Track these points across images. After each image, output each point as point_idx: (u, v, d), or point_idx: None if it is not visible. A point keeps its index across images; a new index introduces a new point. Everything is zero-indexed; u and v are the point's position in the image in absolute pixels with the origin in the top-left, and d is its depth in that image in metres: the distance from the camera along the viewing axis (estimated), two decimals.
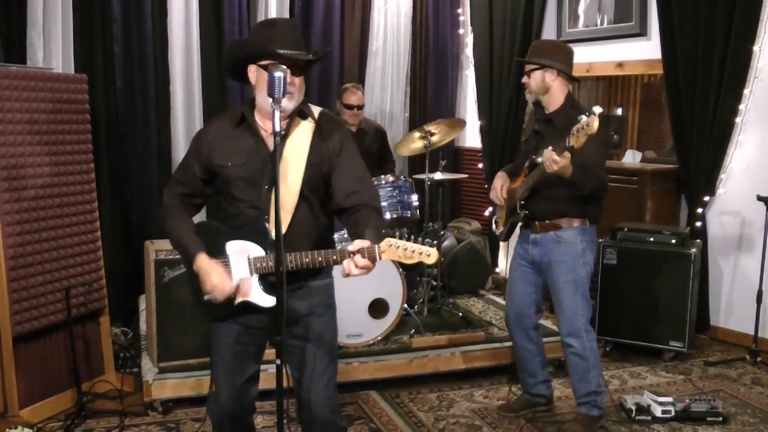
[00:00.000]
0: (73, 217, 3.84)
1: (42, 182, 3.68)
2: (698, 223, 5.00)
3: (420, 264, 2.64)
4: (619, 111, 6.54)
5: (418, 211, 4.87)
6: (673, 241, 4.63)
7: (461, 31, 6.70)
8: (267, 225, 2.54)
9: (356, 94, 5.26)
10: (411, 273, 5.14)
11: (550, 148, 3.17)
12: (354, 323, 4.41)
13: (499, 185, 3.81)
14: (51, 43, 4.64)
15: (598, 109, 2.97)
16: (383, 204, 4.64)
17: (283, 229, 2.48)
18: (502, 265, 6.38)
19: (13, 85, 3.56)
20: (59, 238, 3.76)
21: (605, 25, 5.48)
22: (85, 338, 3.98)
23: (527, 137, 3.74)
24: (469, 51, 6.59)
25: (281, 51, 2.49)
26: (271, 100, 2.36)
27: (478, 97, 6.41)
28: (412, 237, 2.38)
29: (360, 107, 5.27)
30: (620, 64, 5.48)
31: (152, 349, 3.98)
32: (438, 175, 5.16)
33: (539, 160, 3.37)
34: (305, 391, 2.64)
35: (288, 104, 2.52)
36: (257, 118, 2.62)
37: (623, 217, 5.00)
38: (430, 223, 5.26)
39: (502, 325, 4.82)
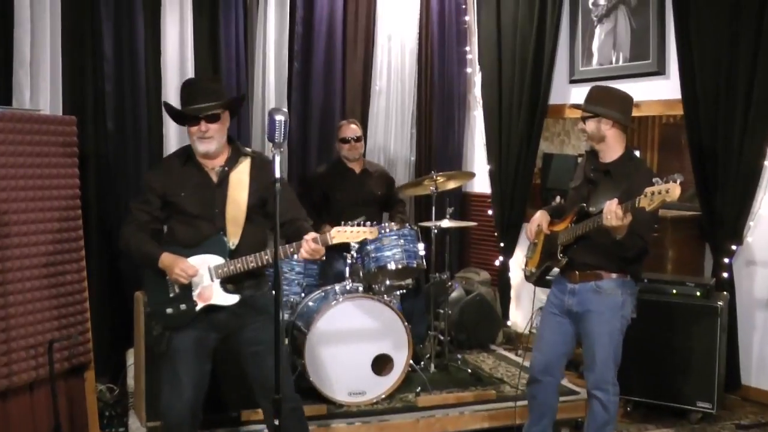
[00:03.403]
0: (58, 266, 3.87)
1: (26, 229, 3.72)
2: (725, 274, 4.97)
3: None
4: (637, 153, 6.58)
5: (424, 260, 4.90)
6: (698, 293, 4.62)
7: (469, 69, 6.79)
8: (225, 238, 3.32)
9: (350, 128, 5.43)
10: (418, 327, 5.15)
11: (616, 201, 3.26)
12: (356, 380, 4.40)
13: (538, 224, 3.89)
14: (39, 82, 4.69)
15: (680, 177, 3.07)
16: (387, 254, 4.70)
17: (236, 241, 3.33)
18: (514, 318, 6.37)
19: None
20: (43, 288, 3.78)
21: (621, 63, 5.55)
22: (68, 395, 3.97)
23: (578, 185, 3.82)
24: (476, 91, 6.67)
25: (183, 108, 3.31)
26: (199, 149, 3.30)
27: (486, 139, 6.47)
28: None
29: (357, 139, 5.41)
30: (637, 105, 5.47)
31: (140, 407, 3.97)
32: (445, 223, 5.20)
33: (592, 209, 3.54)
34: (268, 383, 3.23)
35: (209, 147, 3.31)
36: (199, 158, 3.38)
37: (643, 267, 5.00)
38: (437, 274, 5.29)
39: (514, 382, 4.80)
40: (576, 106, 3.84)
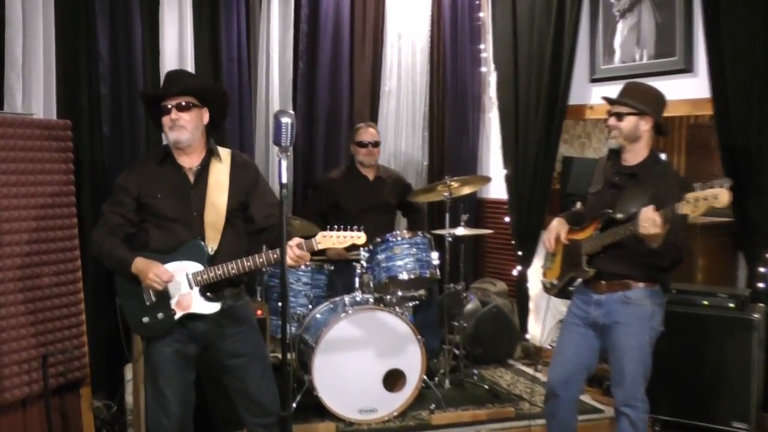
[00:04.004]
0: (53, 277, 3.88)
1: (19, 238, 3.73)
2: (760, 284, 4.90)
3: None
4: (663, 156, 6.56)
5: (437, 270, 4.89)
6: (731, 304, 4.56)
7: (483, 69, 6.79)
8: (203, 243, 3.33)
9: (368, 131, 5.46)
10: (431, 340, 5.13)
11: (652, 207, 3.24)
12: (367, 397, 4.40)
13: (557, 232, 3.85)
14: (31, 85, 4.69)
15: (727, 182, 3.04)
16: (398, 263, 4.70)
17: (215, 247, 3.34)
18: (533, 331, 6.34)
19: None
20: (37, 300, 3.79)
21: (645, 60, 5.52)
22: (63, 412, 3.98)
23: (599, 189, 3.80)
24: (492, 91, 6.66)
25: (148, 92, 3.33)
26: (170, 138, 3.34)
27: (502, 142, 6.45)
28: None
29: (375, 144, 5.43)
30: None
31: (139, 424, 3.97)
32: (459, 230, 5.21)
33: (619, 216, 3.52)
34: (259, 395, 3.43)
35: (180, 135, 3.34)
36: (176, 155, 3.42)
37: (671, 276, 4.97)
38: (451, 284, 5.28)
39: (534, 399, 4.78)
40: (613, 101, 3.76)
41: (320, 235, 3.27)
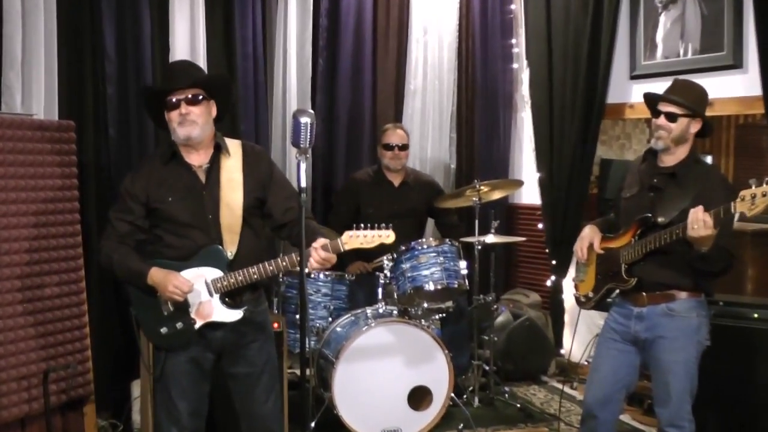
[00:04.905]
0: (55, 287, 3.89)
1: (19, 246, 3.73)
2: None
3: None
4: (709, 159, 6.49)
5: (466, 280, 4.86)
6: None
7: (515, 65, 6.76)
8: (221, 248, 3.29)
9: (396, 133, 5.44)
10: (460, 355, 5.10)
11: (701, 208, 3.19)
12: (390, 416, 4.39)
13: (590, 240, 3.80)
14: (32, 84, 4.69)
15: None
16: (424, 273, 4.67)
17: (234, 250, 3.31)
18: (568, 346, 6.27)
19: None
20: (38, 312, 3.79)
21: (690, 55, 5.47)
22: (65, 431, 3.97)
23: (635, 193, 3.74)
24: (524, 89, 6.64)
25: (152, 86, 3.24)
26: (180, 135, 3.25)
27: (535, 144, 6.42)
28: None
29: (402, 147, 5.41)
30: (709, 103, 5.43)
31: None
32: (490, 238, 5.18)
33: (661, 219, 3.48)
34: (262, 416, 3.45)
35: (191, 130, 3.26)
36: (184, 153, 3.35)
37: (718, 287, 4.86)
38: (481, 296, 5.25)
39: (569, 419, 4.75)
40: (665, 98, 3.65)
41: (346, 235, 3.21)
